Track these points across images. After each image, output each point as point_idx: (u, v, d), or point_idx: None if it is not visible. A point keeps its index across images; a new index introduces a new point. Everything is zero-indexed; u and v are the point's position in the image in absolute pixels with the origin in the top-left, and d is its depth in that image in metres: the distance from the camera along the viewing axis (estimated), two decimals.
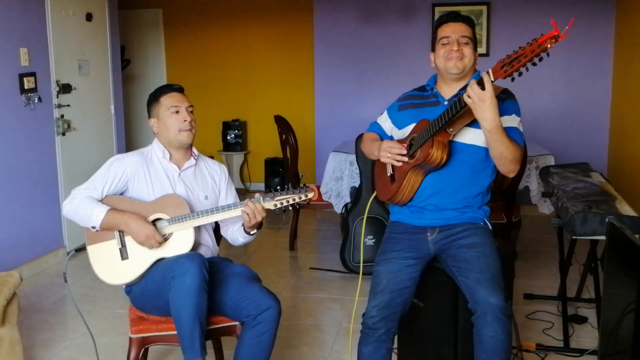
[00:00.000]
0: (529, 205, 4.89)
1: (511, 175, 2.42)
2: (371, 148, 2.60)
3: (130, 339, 2.49)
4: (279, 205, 2.50)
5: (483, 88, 2.15)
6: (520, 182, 4.24)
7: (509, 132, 2.34)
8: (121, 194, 2.56)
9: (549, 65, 6.56)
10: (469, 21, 2.49)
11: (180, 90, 2.65)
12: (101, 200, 2.49)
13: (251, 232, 2.61)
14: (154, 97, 2.63)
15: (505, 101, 2.41)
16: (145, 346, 2.51)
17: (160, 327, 2.48)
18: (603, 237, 2.52)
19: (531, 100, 6.26)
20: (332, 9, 6.76)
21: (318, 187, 2.50)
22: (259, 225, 2.57)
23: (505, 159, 2.31)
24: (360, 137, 4.06)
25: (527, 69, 2.05)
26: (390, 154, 2.46)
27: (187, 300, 2.28)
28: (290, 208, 2.52)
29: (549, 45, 1.96)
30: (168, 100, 2.59)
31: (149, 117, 2.65)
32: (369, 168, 4.17)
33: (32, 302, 3.93)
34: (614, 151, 6.11)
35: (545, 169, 3.75)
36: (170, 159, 2.62)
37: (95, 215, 2.43)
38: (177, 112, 2.57)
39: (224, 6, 7.16)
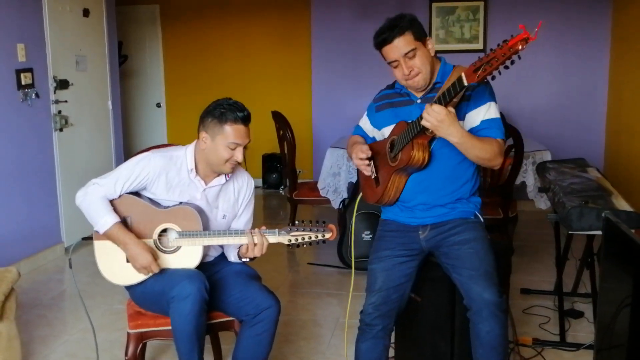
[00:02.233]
0: (526, 200, 4.90)
1: (497, 168, 2.41)
2: (350, 154, 2.61)
3: (128, 334, 2.51)
4: (293, 241, 2.43)
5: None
6: (516, 177, 4.25)
7: (484, 127, 2.32)
8: (139, 190, 2.49)
9: (546, 61, 6.58)
10: (402, 29, 2.33)
11: (247, 121, 2.42)
12: (118, 198, 2.43)
13: (242, 259, 2.57)
14: (219, 119, 2.38)
15: (476, 89, 2.33)
16: (143, 341, 2.52)
17: (158, 322, 2.49)
18: (599, 232, 2.54)
19: (528, 96, 6.27)
20: (329, 4, 6.75)
21: (336, 226, 2.47)
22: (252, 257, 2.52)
23: (483, 159, 2.31)
24: None
25: (499, 73, 2.00)
26: (357, 162, 2.47)
27: (188, 324, 2.28)
28: (304, 245, 2.45)
29: (520, 47, 1.92)
30: (232, 134, 2.37)
31: (201, 127, 2.43)
32: None
33: (30, 298, 3.93)
34: (610, 146, 6.13)
35: (542, 164, 3.75)
36: (197, 173, 2.49)
37: (102, 224, 2.37)
38: (234, 149, 2.41)
39: (221, 1, 7.15)
